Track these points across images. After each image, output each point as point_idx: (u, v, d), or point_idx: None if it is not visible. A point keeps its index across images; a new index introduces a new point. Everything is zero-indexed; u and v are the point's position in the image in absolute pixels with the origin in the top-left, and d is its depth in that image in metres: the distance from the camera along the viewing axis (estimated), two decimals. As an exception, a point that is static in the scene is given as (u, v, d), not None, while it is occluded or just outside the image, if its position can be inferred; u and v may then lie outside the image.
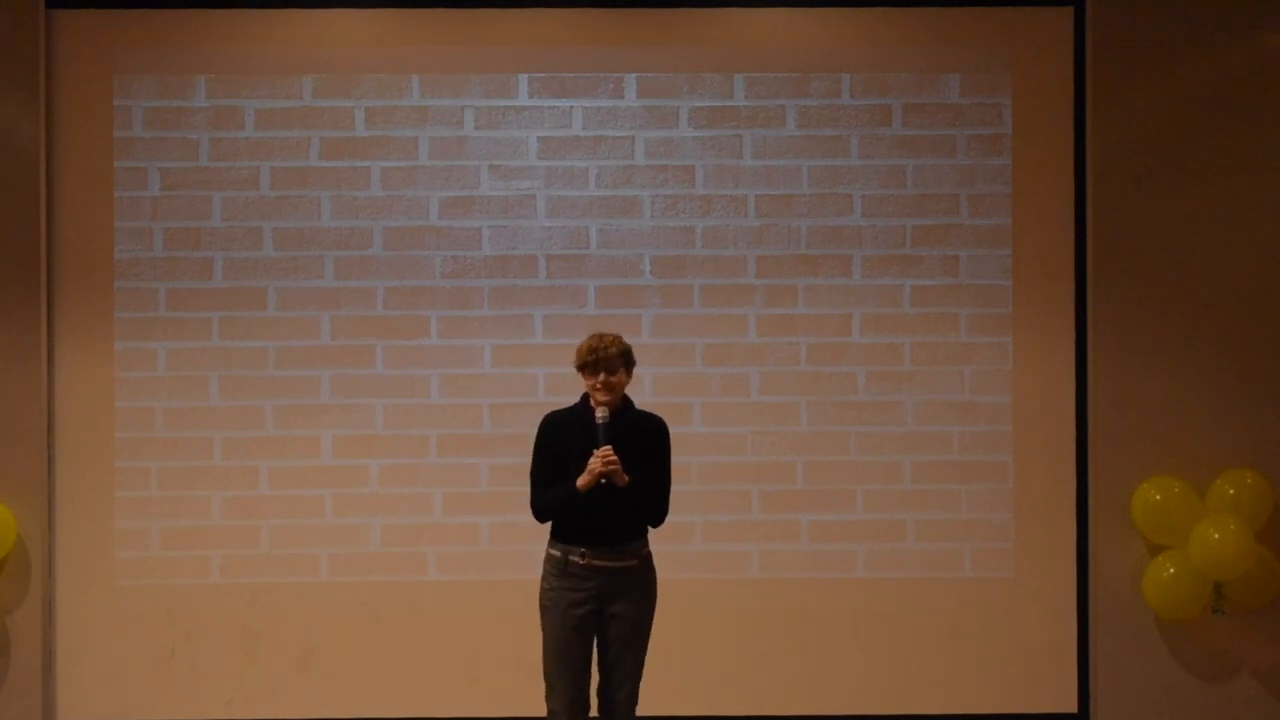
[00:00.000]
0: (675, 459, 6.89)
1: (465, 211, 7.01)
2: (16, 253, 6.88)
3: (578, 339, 6.44)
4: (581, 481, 5.42)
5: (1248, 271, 6.94)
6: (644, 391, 6.93)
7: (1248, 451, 6.89)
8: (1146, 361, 6.93)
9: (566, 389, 6.69)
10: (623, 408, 5.55)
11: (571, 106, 7.02)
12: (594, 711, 5.62)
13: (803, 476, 6.99)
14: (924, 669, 6.99)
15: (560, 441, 5.52)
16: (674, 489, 6.89)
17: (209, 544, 6.96)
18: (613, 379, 5.48)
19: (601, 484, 5.42)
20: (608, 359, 5.48)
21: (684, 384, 6.98)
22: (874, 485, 6.99)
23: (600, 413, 5.45)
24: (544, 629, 5.55)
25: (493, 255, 7.01)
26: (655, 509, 5.60)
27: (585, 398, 5.57)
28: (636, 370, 6.91)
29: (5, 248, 6.88)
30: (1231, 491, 6.74)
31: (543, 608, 5.56)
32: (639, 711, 5.64)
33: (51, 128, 6.95)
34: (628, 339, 6.89)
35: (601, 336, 5.54)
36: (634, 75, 7.03)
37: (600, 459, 5.39)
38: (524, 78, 7.02)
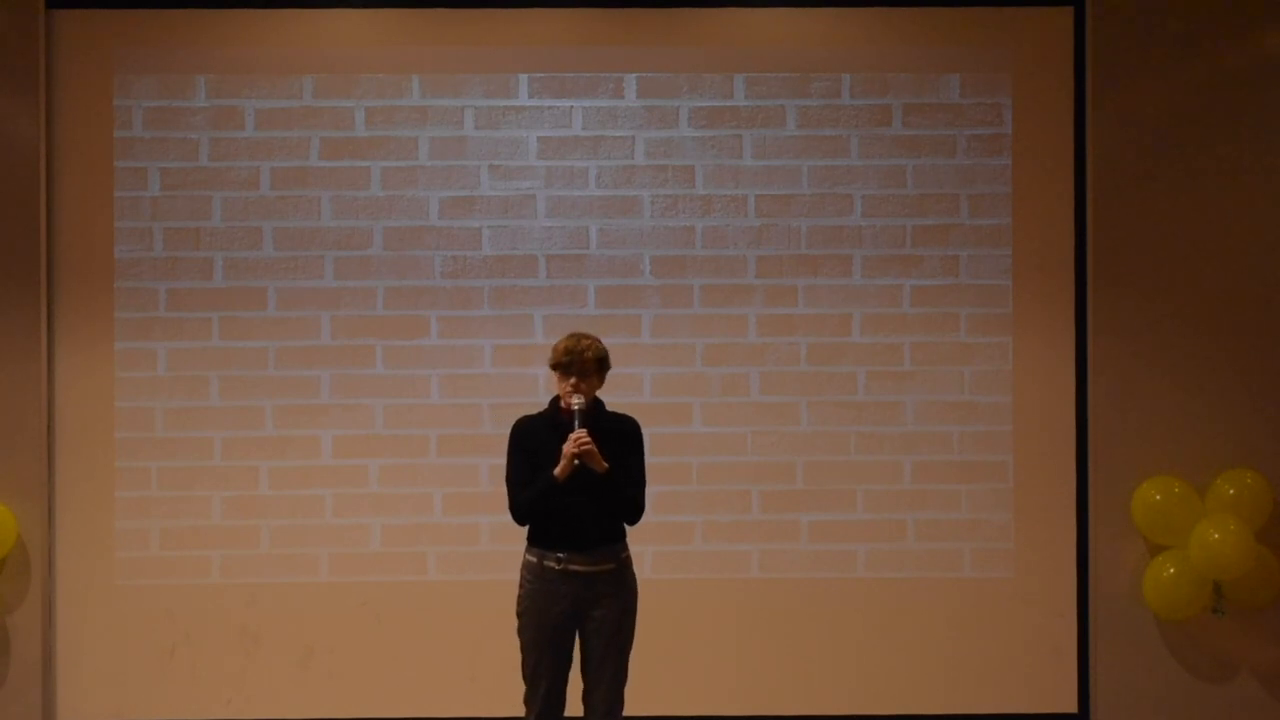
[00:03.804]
0: (676, 459, 6.92)
1: (465, 211, 7.01)
2: (16, 253, 6.88)
3: (578, 339, 6.46)
4: (559, 469, 5.36)
5: (1248, 271, 6.94)
6: (644, 391, 6.93)
7: (1248, 451, 6.89)
8: (1146, 361, 6.93)
9: (566, 389, 6.70)
10: (592, 410, 5.49)
11: (571, 106, 7.02)
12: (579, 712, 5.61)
13: (803, 476, 6.99)
14: (924, 669, 6.99)
15: (533, 445, 5.48)
16: (674, 489, 6.93)
17: (209, 544, 6.96)
18: (584, 383, 5.43)
19: (579, 470, 5.35)
20: (583, 363, 5.42)
21: (684, 384, 6.98)
22: (874, 485, 6.99)
23: (576, 400, 5.38)
24: (521, 634, 5.53)
25: (493, 255, 7.01)
26: (631, 503, 5.51)
27: (554, 401, 5.54)
28: (637, 370, 6.92)
29: (5, 248, 6.88)
30: (1231, 491, 6.74)
31: (520, 613, 5.54)
32: (629, 712, 5.62)
33: (51, 128, 6.95)
34: (628, 339, 6.94)
35: (579, 339, 5.48)
36: (634, 75, 7.03)
37: (574, 441, 5.33)
38: (524, 78, 7.02)
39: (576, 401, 5.39)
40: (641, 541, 6.87)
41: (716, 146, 7.03)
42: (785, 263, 7.01)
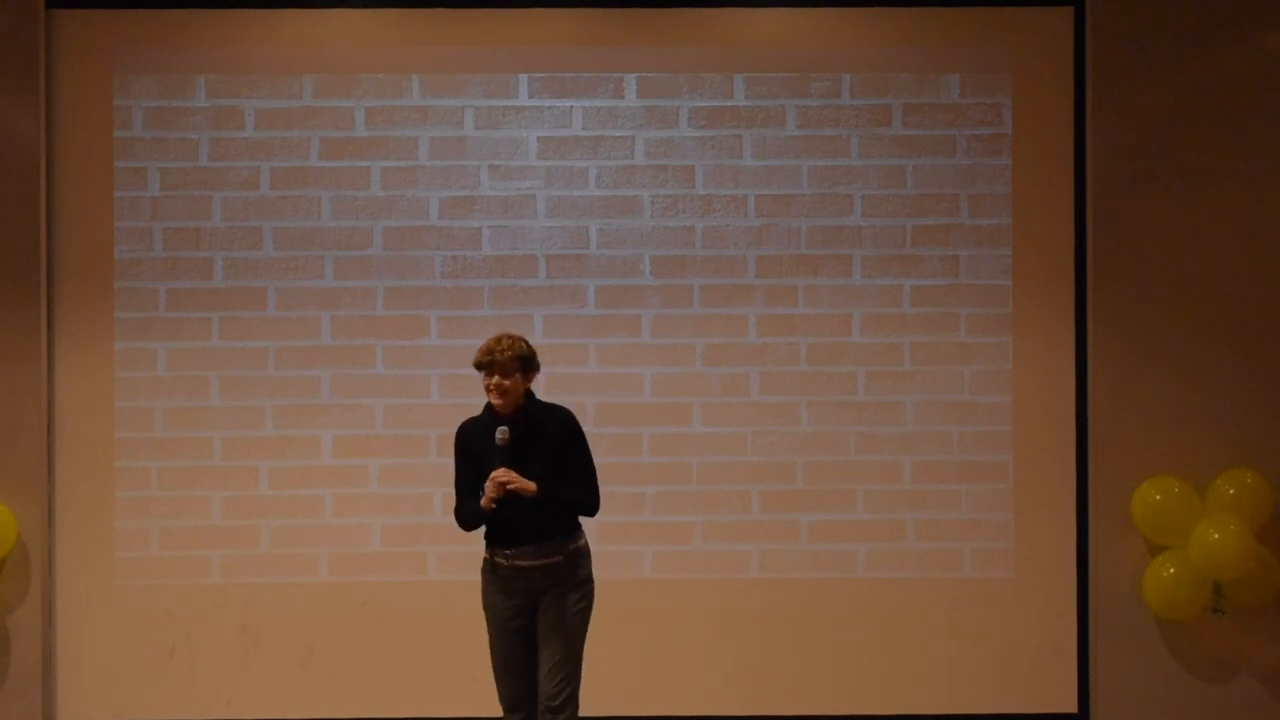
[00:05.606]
0: (676, 459, 6.92)
1: (465, 211, 7.01)
2: (16, 253, 6.88)
3: (578, 339, 6.48)
4: (484, 500, 5.39)
5: (1247, 271, 6.94)
6: (644, 391, 6.93)
7: (1248, 451, 6.89)
8: (1146, 361, 6.93)
9: (566, 389, 6.69)
10: (525, 406, 5.49)
11: (571, 106, 7.02)
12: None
13: (803, 476, 6.98)
14: (924, 669, 6.99)
15: (472, 450, 5.51)
16: (674, 489, 6.92)
17: (209, 544, 6.96)
18: (505, 382, 5.43)
19: (507, 498, 5.36)
20: (502, 362, 5.42)
21: (684, 384, 6.98)
22: (874, 485, 6.99)
23: (499, 434, 5.39)
24: (488, 631, 5.59)
25: (493, 255, 7.01)
26: (582, 502, 5.53)
27: (488, 404, 5.54)
28: (637, 370, 6.89)
29: (5, 248, 6.88)
30: (1231, 491, 6.74)
31: (483, 609, 5.60)
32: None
33: (51, 128, 6.95)
34: (628, 339, 6.94)
35: (500, 339, 5.49)
36: (634, 75, 7.02)
37: (494, 482, 5.34)
38: (524, 78, 7.02)
39: (500, 436, 5.39)
40: (641, 541, 6.89)
41: (716, 146, 7.02)
42: (785, 263, 7.01)
